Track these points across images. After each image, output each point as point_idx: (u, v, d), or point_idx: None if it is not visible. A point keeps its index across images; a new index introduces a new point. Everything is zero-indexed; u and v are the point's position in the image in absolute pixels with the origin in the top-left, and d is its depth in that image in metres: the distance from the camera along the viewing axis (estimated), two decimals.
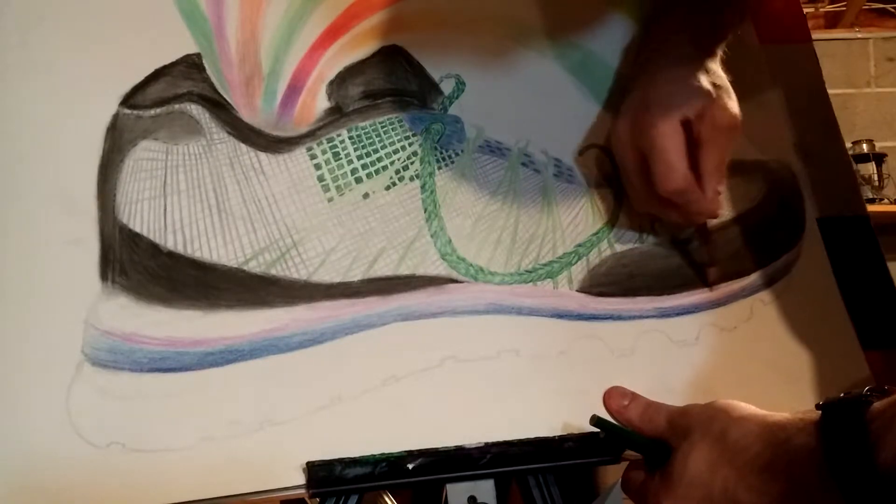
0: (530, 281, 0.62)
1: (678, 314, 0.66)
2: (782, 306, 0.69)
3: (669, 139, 0.61)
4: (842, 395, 0.43)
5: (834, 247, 0.72)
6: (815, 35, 0.84)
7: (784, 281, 0.70)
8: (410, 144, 0.63)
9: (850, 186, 0.78)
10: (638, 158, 0.64)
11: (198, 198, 0.56)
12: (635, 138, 0.64)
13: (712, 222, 0.68)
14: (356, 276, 0.58)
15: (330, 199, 0.59)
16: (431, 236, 0.61)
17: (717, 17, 0.67)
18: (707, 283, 0.67)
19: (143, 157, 0.56)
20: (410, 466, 0.52)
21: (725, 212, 0.70)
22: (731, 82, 0.65)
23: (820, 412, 0.43)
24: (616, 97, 0.70)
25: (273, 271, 0.56)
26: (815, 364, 0.67)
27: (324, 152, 0.60)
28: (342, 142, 0.61)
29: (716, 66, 0.65)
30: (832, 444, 0.41)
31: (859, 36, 2.60)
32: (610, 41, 0.72)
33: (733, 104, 0.63)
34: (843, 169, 0.78)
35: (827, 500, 0.41)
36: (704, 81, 0.63)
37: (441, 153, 0.64)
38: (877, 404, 0.41)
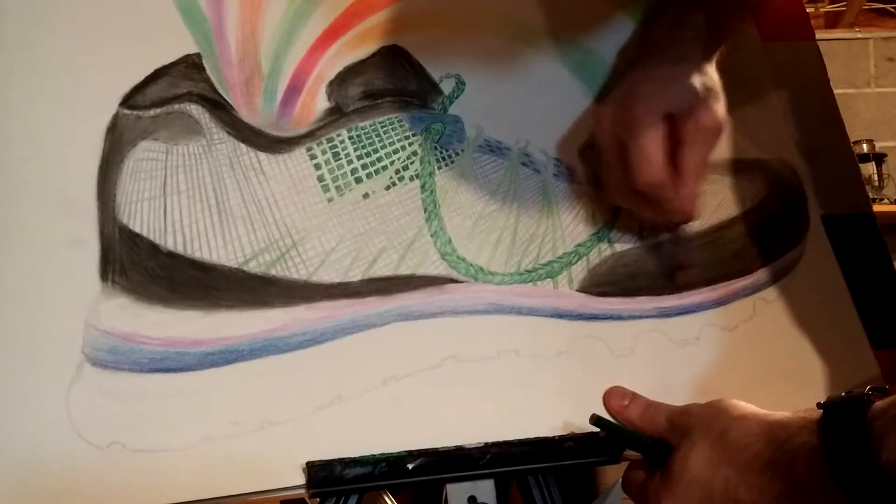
0: (530, 281, 0.62)
1: (678, 314, 0.65)
2: (786, 304, 0.68)
3: (649, 131, 0.60)
4: (843, 394, 0.43)
5: (839, 244, 0.72)
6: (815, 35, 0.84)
7: (787, 279, 0.70)
8: (410, 144, 0.63)
9: (855, 183, 0.78)
10: (617, 147, 0.63)
11: (198, 198, 0.56)
12: (616, 127, 0.62)
13: (691, 226, 0.67)
14: (356, 276, 0.58)
15: (330, 199, 0.59)
16: (431, 236, 0.61)
17: (718, 17, 0.66)
18: (670, 286, 0.66)
19: (143, 157, 0.56)
20: (410, 466, 0.52)
21: (731, 213, 0.69)
22: (734, 80, 0.64)
23: (821, 411, 0.43)
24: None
25: (273, 271, 0.56)
26: (820, 363, 0.67)
27: (324, 152, 0.60)
28: (342, 142, 0.61)
29: (710, 67, 0.64)
30: (834, 444, 0.41)
31: (859, 36, 2.60)
32: (610, 40, 0.72)
33: (720, 107, 0.62)
34: (847, 166, 0.78)
35: (828, 499, 0.41)
36: (695, 80, 0.62)
37: (441, 153, 0.64)
38: (878, 403, 0.41)
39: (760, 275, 0.69)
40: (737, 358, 0.65)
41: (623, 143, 0.62)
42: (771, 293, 0.69)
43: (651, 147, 0.60)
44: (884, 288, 0.72)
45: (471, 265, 0.61)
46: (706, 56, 0.65)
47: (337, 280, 0.57)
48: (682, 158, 0.61)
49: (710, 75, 0.64)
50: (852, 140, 2.56)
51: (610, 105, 0.64)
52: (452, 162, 0.64)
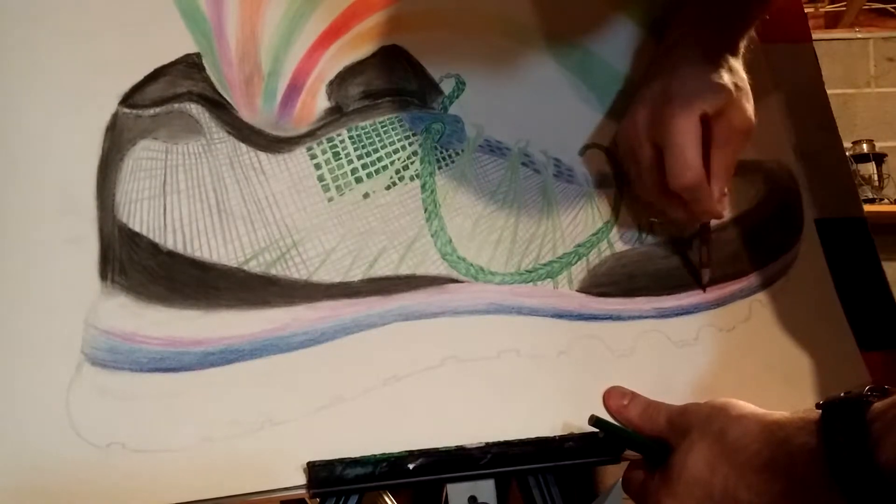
0: (530, 281, 0.62)
1: (677, 314, 0.66)
2: (780, 307, 0.69)
3: (688, 135, 0.60)
4: (842, 394, 0.43)
5: (831, 248, 0.72)
6: (815, 35, 0.84)
7: (782, 282, 0.70)
8: (410, 144, 0.63)
9: (848, 188, 0.78)
10: (652, 150, 0.63)
11: (197, 197, 0.56)
12: (652, 130, 0.62)
13: (714, 223, 0.67)
14: (356, 275, 0.58)
15: (330, 199, 0.59)
16: (432, 236, 0.61)
17: (741, 8, 0.66)
18: (701, 285, 0.67)
19: (143, 156, 0.56)
20: (411, 466, 0.52)
21: (728, 214, 0.69)
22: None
23: (820, 411, 0.43)
24: (621, 98, 0.70)
25: (273, 271, 0.56)
26: (813, 365, 0.67)
27: (324, 152, 0.60)
28: (342, 141, 0.61)
29: (738, 64, 0.64)
30: (833, 444, 0.41)
31: (859, 36, 2.61)
32: (610, 41, 0.72)
33: (750, 108, 0.63)
34: (841, 171, 0.78)
35: (827, 499, 0.41)
36: (727, 79, 0.62)
37: (441, 153, 0.64)
38: (877, 404, 0.41)
39: (756, 277, 0.69)
40: (735, 358, 0.65)
41: (657, 146, 0.62)
42: (766, 295, 0.69)
43: (688, 150, 0.60)
44: (875, 292, 0.72)
45: (471, 265, 0.61)
46: (731, 49, 0.64)
47: (337, 280, 0.57)
48: (713, 159, 0.62)
49: (740, 74, 0.64)
50: (852, 140, 2.57)
51: (642, 107, 0.64)
52: (453, 162, 0.64)
